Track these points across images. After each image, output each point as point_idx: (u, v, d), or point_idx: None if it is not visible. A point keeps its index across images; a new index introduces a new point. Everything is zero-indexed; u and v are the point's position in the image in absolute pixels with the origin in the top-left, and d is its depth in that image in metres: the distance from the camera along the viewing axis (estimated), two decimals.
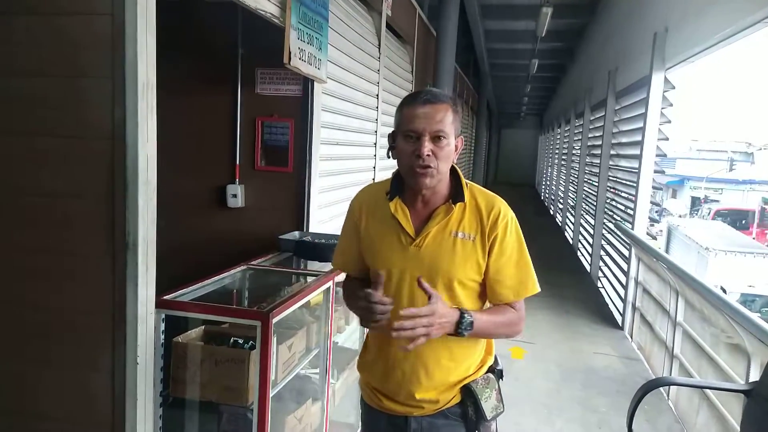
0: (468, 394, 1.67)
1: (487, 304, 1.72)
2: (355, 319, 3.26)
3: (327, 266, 2.91)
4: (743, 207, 25.21)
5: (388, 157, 1.71)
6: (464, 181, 1.67)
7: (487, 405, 1.67)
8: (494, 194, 1.69)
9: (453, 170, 1.66)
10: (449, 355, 1.65)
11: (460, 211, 1.63)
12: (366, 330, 1.84)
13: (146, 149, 1.92)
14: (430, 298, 1.48)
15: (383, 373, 1.70)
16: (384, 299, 1.50)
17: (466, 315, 1.53)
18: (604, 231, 7.91)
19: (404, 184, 1.66)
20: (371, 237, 1.70)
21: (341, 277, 2.86)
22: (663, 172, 6.19)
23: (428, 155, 1.54)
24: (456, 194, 1.64)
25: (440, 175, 1.58)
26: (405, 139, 1.57)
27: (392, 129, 1.65)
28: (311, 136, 3.37)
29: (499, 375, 1.78)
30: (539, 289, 1.68)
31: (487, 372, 1.73)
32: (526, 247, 1.67)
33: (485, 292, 1.68)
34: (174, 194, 3.16)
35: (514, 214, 1.66)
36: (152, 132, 1.95)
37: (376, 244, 1.68)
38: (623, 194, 6.86)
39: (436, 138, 1.54)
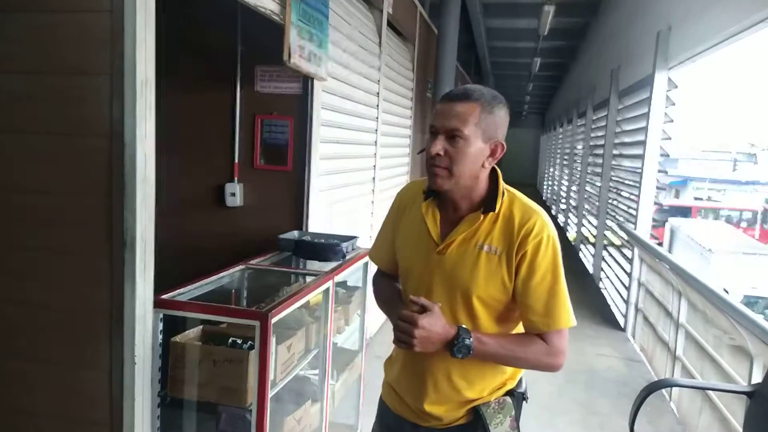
0: (477, 417, 1.55)
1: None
2: (354, 321, 3.25)
3: (326, 266, 2.89)
4: (684, 203, 25.16)
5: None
6: (503, 188, 1.53)
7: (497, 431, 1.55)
8: (537, 208, 1.52)
9: (494, 176, 1.54)
10: (461, 373, 1.54)
11: (490, 221, 1.50)
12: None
13: (144, 147, 1.91)
14: (424, 309, 1.42)
15: (398, 373, 1.67)
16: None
17: (463, 337, 1.42)
18: (606, 231, 7.88)
19: None
20: (402, 235, 1.65)
21: (341, 276, 2.86)
22: (666, 173, 6.16)
23: (438, 154, 1.45)
24: (490, 202, 1.51)
25: (455, 178, 1.46)
26: (429, 136, 1.50)
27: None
28: (311, 135, 3.35)
29: (520, 399, 1.63)
30: (575, 323, 1.49)
31: (505, 395, 1.59)
32: (562, 273, 1.49)
33: (515, 317, 1.55)
34: (172, 193, 3.15)
35: (554, 233, 1.49)
36: (150, 129, 1.93)
37: (405, 243, 1.63)
38: (626, 194, 6.84)
39: (451, 137, 1.44)
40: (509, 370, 1.61)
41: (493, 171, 1.55)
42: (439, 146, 1.45)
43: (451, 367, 1.53)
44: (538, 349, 1.49)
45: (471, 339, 1.43)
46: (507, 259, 1.48)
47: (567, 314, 1.49)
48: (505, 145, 1.50)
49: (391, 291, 1.72)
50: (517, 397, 1.62)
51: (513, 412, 1.59)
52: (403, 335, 1.41)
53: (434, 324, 1.41)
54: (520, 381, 1.65)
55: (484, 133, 1.45)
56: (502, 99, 1.50)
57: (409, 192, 1.71)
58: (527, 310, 1.49)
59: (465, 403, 1.57)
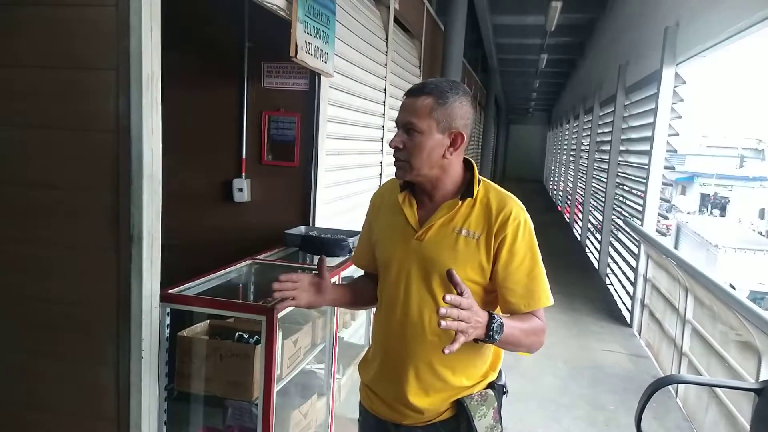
0: (461, 410, 1.55)
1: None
2: (360, 315, 3.25)
3: (333, 261, 2.90)
4: None
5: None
6: (478, 177, 1.56)
7: (481, 424, 1.54)
8: (511, 195, 1.57)
9: (469, 166, 1.59)
10: (442, 359, 1.51)
11: (468, 207, 1.52)
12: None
13: (151, 142, 1.91)
14: (462, 293, 1.30)
15: (378, 370, 1.65)
16: (291, 278, 1.52)
17: (495, 316, 1.38)
18: (612, 227, 7.86)
19: None
20: (380, 228, 1.67)
21: (347, 272, 2.87)
22: (673, 168, 6.13)
23: (397, 147, 1.51)
24: (467, 190, 1.54)
25: (415, 170, 1.50)
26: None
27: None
28: (318, 131, 3.35)
29: (501, 391, 1.63)
30: (552, 303, 1.52)
31: (487, 387, 1.60)
32: (539, 255, 1.53)
33: (491, 299, 1.56)
34: (180, 188, 3.16)
35: (529, 218, 1.54)
36: (157, 124, 1.94)
37: (383, 234, 1.65)
38: (632, 190, 6.81)
39: (408, 131, 1.49)
40: (489, 359, 1.62)
41: (467, 161, 1.59)
42: (397, 139, 1.51)
43: (432, 354, 1.53)
44: (535, 325, 1.51)
45: (501, 318, 1.38)
46: (485, 243, 1.50)
47: (546, 294, 1.53)
48: (465, 135, 1.52)
49: (361, 283, 1.79)
50: (498, 389, 1.63)
51: (495, 404, 1.60)
52: (462, 323, 1.29)
53: (474, 304, 1.34)
54: (500, 374, 1.66)
55: (439, 125, 1.48)
56: (461, 89, 1.52)
57: (384, 190, 1.74)
58: (507, 293, 1.51)
59: (448, 394, 1.56)
